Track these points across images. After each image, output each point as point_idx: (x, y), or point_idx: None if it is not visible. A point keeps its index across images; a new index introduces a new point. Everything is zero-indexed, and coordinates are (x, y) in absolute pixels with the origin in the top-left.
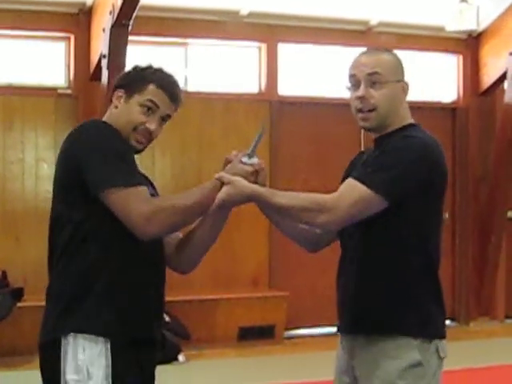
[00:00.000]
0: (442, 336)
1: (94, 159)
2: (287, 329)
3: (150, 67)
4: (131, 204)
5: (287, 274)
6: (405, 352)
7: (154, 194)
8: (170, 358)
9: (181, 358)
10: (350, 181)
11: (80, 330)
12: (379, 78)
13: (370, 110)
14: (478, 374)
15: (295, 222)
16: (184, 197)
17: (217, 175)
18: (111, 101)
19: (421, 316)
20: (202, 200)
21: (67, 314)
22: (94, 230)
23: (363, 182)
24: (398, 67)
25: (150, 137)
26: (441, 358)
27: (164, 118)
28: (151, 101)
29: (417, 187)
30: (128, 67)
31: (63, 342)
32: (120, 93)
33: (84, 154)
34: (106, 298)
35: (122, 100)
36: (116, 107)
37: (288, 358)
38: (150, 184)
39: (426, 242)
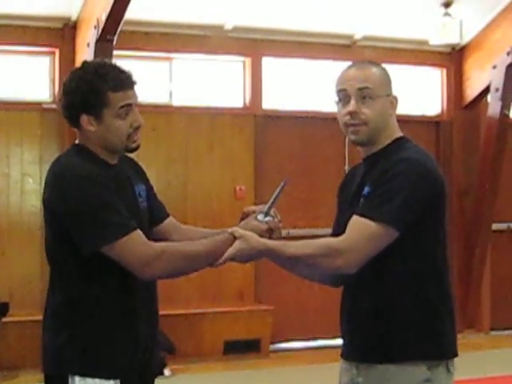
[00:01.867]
0: (453, 355)
1: (80, 220)
2: (273, 342)
3: (90, 78)
4: (128, 254)
5: (273, 287)
6: (414, 370)
7: (151, 194)
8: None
9: (166, 372)
10: (357, 219)
11: (87, 374)
12: (370, 92)
13: (360, 124)
14: None
15: (312, 270)
16: (192, 244)
17: (230, 229)
18: (75, 127)
19: (433, 339)
20: (210, 250)
21: (69, 349)
22: (90, 271)
23: (371, 218)
24: (387, 81)
25: (140, 129)
26: (450, 373)
27: (136, 104)
28: (123, 106)
29: (422, 209)
30: None
31: (70, 379)
32: (85, 118)
33: (69, 217)
34: (107, 338)
35: (94, 123)
36: (91, 132)
37: (274, 371)
38: (145, 185)
39: (436, 259)
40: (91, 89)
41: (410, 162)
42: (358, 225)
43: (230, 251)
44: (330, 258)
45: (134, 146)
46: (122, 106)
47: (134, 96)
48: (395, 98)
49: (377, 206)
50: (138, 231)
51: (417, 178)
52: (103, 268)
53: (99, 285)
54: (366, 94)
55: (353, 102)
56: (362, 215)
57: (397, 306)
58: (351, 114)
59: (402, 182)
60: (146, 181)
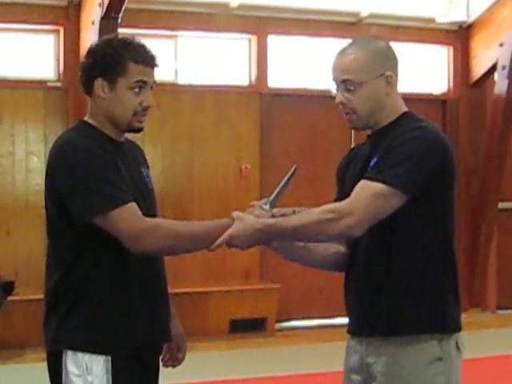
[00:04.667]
0: (458, 329)
1: (74, 190)
2: (278, 321)
3: (115, 44)
4: (120, 225)
5: (278, 266)
6: (425, 348)
7: (148, 182)
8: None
9: None
10: (363, 182)
11: (79, 349)
12: (351, 83)
13: (350, 113)
14: (470, 365)
15: (318, 241)
16: (188, 224)
17: (232, 214)
18: (88, 94)
19: (440, 311)
20: (206, 231)
21: (64, 326)
22: (86, 246)
23: (378, 180)
24: (376, 62)
25: (147, 111)
26: (460, 351)
27: (152, 87)
28: (139, 81)
29: (432, 177)
30: None
31: (63, 355)
32: (100, 82)
33: (64, 188)
34: (100, 313)
35: (106, 89)
36: (102, 98)
37: (279, 350)
38: (141, 168)
39: (444, 233)
40: (114, 53)
41: (423, 130)
42: (364, 187)
43: (228, 231)
44: (336, 221)
45: (138, 126)
46: (138, 80)
47: (152, 77)
48: (390, 75)
49: (385, 170)
50: (133, 204)
51: (428, 145)
52: (98, 244)
53: (93, 262)
54: (349, 84)
55: (338, 93)
56: (369, 179)
57: (405, 279)
58: (339, 103)
59: (412, 148)
60: (147, 167)
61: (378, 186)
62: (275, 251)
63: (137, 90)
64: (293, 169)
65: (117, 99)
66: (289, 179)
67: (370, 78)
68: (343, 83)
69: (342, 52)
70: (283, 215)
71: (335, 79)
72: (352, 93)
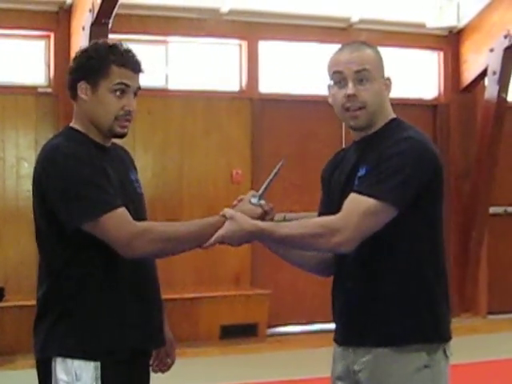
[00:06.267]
0: (449, 338)
1: (63, 197)
2: (270, 326)
3: (100, 47)
4: (110, 230)
5: (269, 271)
6: (413, 356)
7: (137, 187)
8: None
9: None
10: (355, 196)
11: (68, 355)
12: (367, 74)
13: (359, 108)
14: (460, 370)
15: (306, 251)
16: (179, 225)
17: (222, 211)
18: (73, 98)
19: (432, 321)
20: (197, 231)
21: (54, 332)
22: (75, 253)
23: (369, 195)
24: (382, 63)
25: (131, 117)
26: (447, 357)
27: (136, 92)
28: (120, 83)
29: (423, 189)
30: None
31: (53, 363)
32: (83, 85)
33: (52, 195)
34: (90, 320)
35: (89, 91)
36: (84, 101)
37: (271, 355)
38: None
39: (434, 242)
40: (98, 56)
41: (412, 141)
42: (356, 202)
43: (219, 232)
44: (327, 237)
45: (119, 131)
46: (119, 83)
47: (136, 82)
48: (389, 80)
49: (376, 184)
50: (123, 209)
51: (419, 157)
52: (87, 252)
53: (83, 269)
54: (364, 76)
55: (350, 85)
56: (359, 193)
57: (395, 290)
58: (350, 97)
59: (403, 161)
60: (136, 171)
61: (370, 202)
62: (263, 244)
63: (118, 93)
64: (280, 163)
65: (98, 102)
66: (276, 173)
67: (379, 76)
68: (358, 73)
69: (351, 47)
70: (271, 209)
71: (345, 71)
72: (364, 85)
